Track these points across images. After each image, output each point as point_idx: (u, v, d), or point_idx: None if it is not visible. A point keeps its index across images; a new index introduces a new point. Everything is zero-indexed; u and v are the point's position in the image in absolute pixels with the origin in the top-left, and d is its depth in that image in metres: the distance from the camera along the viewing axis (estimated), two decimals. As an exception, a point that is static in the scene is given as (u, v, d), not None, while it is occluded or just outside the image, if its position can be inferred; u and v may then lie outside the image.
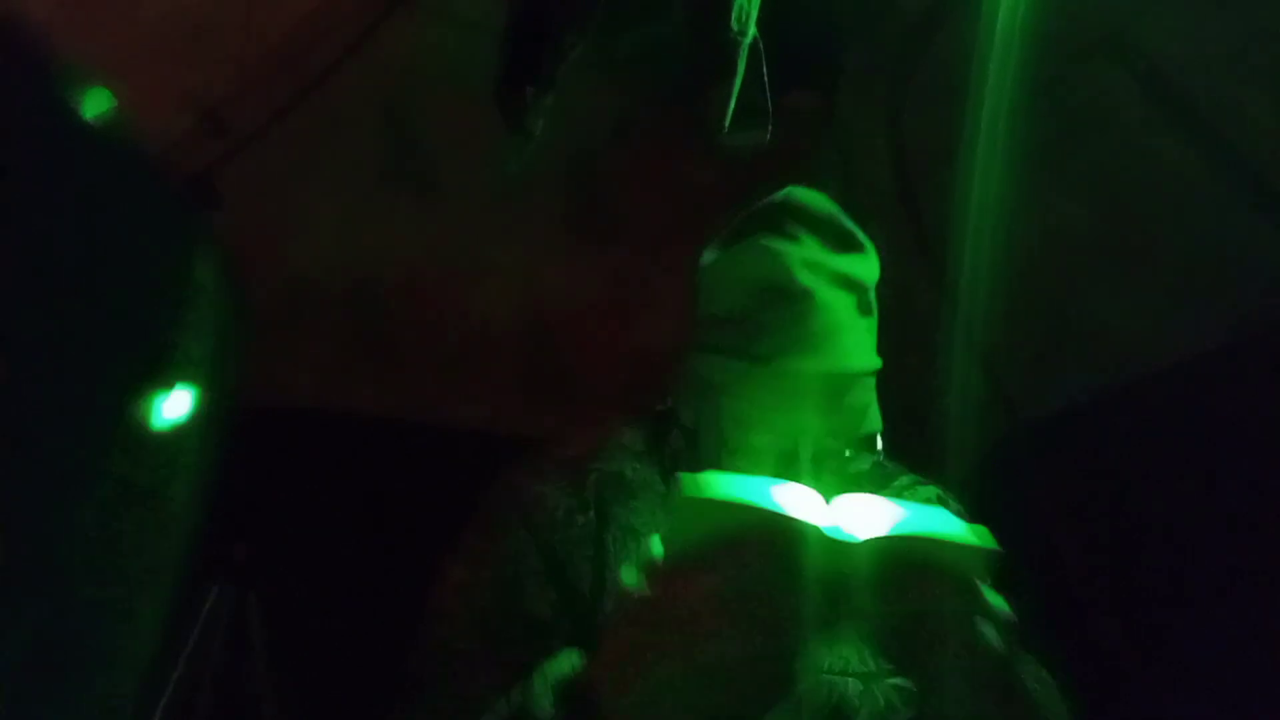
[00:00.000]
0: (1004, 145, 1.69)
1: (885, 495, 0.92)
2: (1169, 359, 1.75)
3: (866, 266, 1.10)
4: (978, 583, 0.86)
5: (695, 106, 1.23)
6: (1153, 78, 1.62)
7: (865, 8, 1.95)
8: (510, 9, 1.19)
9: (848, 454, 1.07)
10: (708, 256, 1.13)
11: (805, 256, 1.05)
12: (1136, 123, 1.66)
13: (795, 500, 0.84)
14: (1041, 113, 1.70)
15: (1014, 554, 0.88)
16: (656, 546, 0.87)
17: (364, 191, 2.05)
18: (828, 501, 0.88)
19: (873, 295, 1.11)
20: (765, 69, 1.20)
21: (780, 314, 1.03)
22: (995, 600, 0.88)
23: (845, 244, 1.10)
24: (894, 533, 0.84)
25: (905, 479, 1.15)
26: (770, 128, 1.22)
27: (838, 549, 0.83)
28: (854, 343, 1.06)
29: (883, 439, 1.12)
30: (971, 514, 0.96)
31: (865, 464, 1.13)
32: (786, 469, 0.99)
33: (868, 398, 1.08)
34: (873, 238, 1.14)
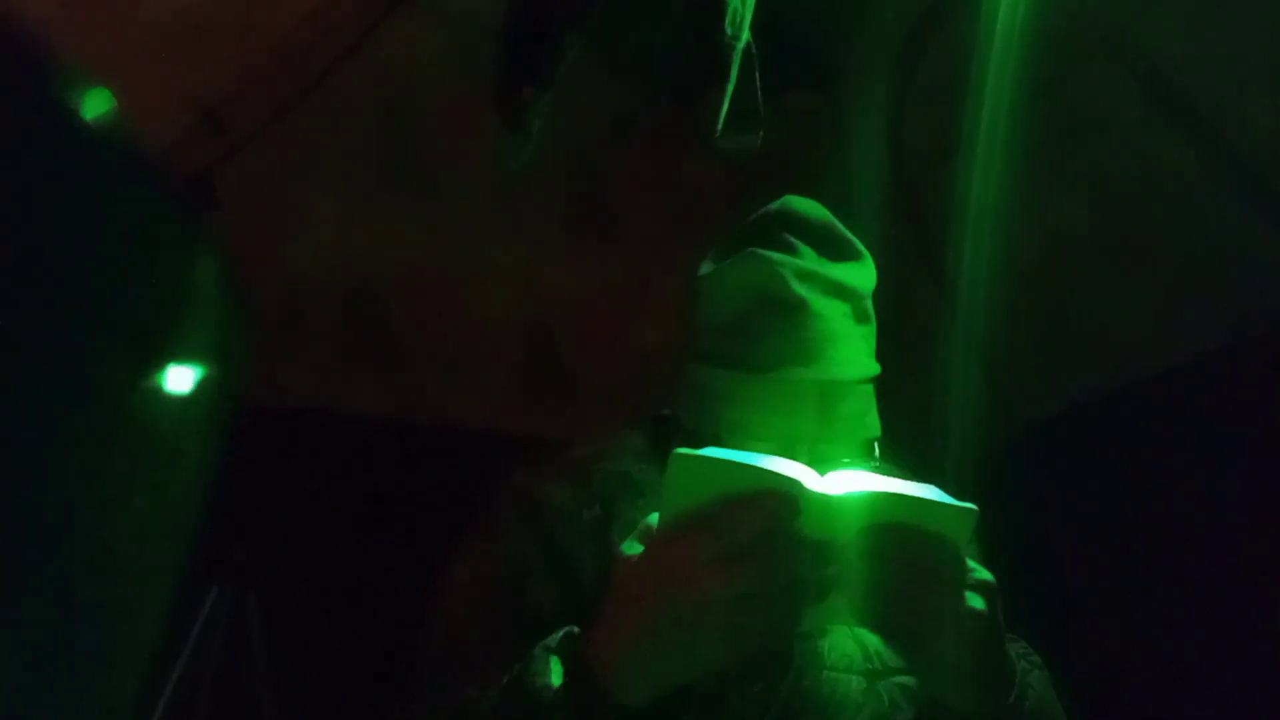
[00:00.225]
0: (1004, 145, 1.69)
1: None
2: (1169, 359, 1.75)
3: (863, 275, 1.11)
4: (961, 548, 0.87)
5: (694, 107, 1.24)
6: (1153, 78, 1.62)
7: (865, 8, 1.95)
8: (510, 9, 1.19)
9: (846, 460, 1.07)
10: (705, 267, 1.15)
11: (800, 266, 1.06)
12: (1136, 123, 1.66)
13: (789, 469, 0.86)
14: (1041, 113, 1.70)
15: (1014, 555, 0.89)
16: (654, 518, 0.88)
17: (364, 191, 2.05)
18: (822, 475, 0.89)
19: (870, 303, 1.12)
20: (758, 73, 1.21)
21: (776, 324, 1.05)
22: (980, 569, 0.89)
23: (841, 253, 1.11)
24: (873, 490, 0.85)
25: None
26: (762, 132, 1.22)
27: (827, 504, 0.84)
28: (850, 350, 1.07)
29: (881, 445, 1.12)
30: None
31: (863, 469, 1.13)
32: None
33: (866, 404, 1.09)
34: (871, 239, 1.15)
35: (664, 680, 0.86)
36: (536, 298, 2.26)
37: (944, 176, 1.80)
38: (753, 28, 1.17)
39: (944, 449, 1.85)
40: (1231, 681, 1.60)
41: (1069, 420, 1.97)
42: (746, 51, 1.18)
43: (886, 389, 1.13)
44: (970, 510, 0.86)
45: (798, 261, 1.07)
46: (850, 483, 0.87)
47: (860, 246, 1.13)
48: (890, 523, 0.85)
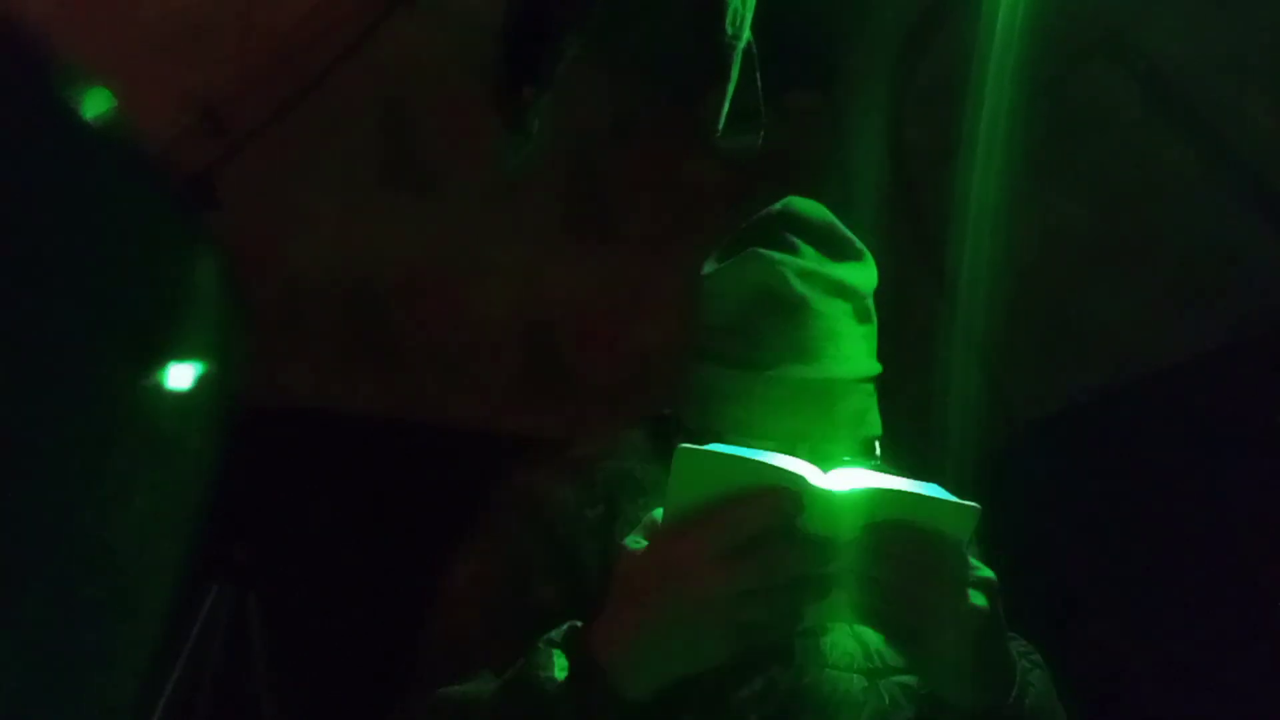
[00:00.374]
0: (1004, 145, 1.69)
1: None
2: (1169, 359, 1.75)
3: (864, 274, 1.11)
4: (963, 546, 0.88)
5: (694, 107, 1.24)
6: (1152, 78, 1.62)
7: (865, 8, 1.95)
8: (510, 9, 1.19)
9: (846, 459, 1.07)
10: (708, 266, 1.15)
11: (802, 266, 1.07)
12: (1136, 123, 1.67)
13: (792, 465, 0.86)
14: (1041, 113, 1.70)
15: (1014, 555, 0.89)
16: (658, 513, 0.89)
17: (364, 191, 2.06)
18: (825, 473, 0.89)
19: (870, 302, 1.12)
20: (759, 73, 1.21)
21: (777, 323, 1.06)
22: (982, 567, 0.89)
23: (842, 253, 1.12)
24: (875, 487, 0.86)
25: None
26: (763, 132, 1.23)
27: (830, 501, 0.84)
28: (851, 349, 1.08)
29: (881, 443, 1.13)
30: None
31: (863, 468, 1.14)
32: None
33: (867, 403, 1.10)
34: (871, 238, 1.15)
35: (666, 674, 0.86)
36: (536, 298, 2.26)
37: (944, 176, 1.80)
38: (753, 27, 1.17)
39: (944, 449, 1.85)
40: (1231, 681, 1.60)
41: (1069, 420, 1.97)
42: (747, 51, 1.18)
43: (886, 389, 1.13)
44: (973, 508, 0.86)
45: (799, 261, 1.07)
46: (853, 480, 0.87)
47: (861, 246, 1.14)
48: (892, 520, 0.85)
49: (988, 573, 0.90)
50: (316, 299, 2.09)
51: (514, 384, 2.30)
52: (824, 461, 0.94)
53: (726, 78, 1.16)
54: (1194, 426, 1.71)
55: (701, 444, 0.88)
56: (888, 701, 1.01)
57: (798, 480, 0.84)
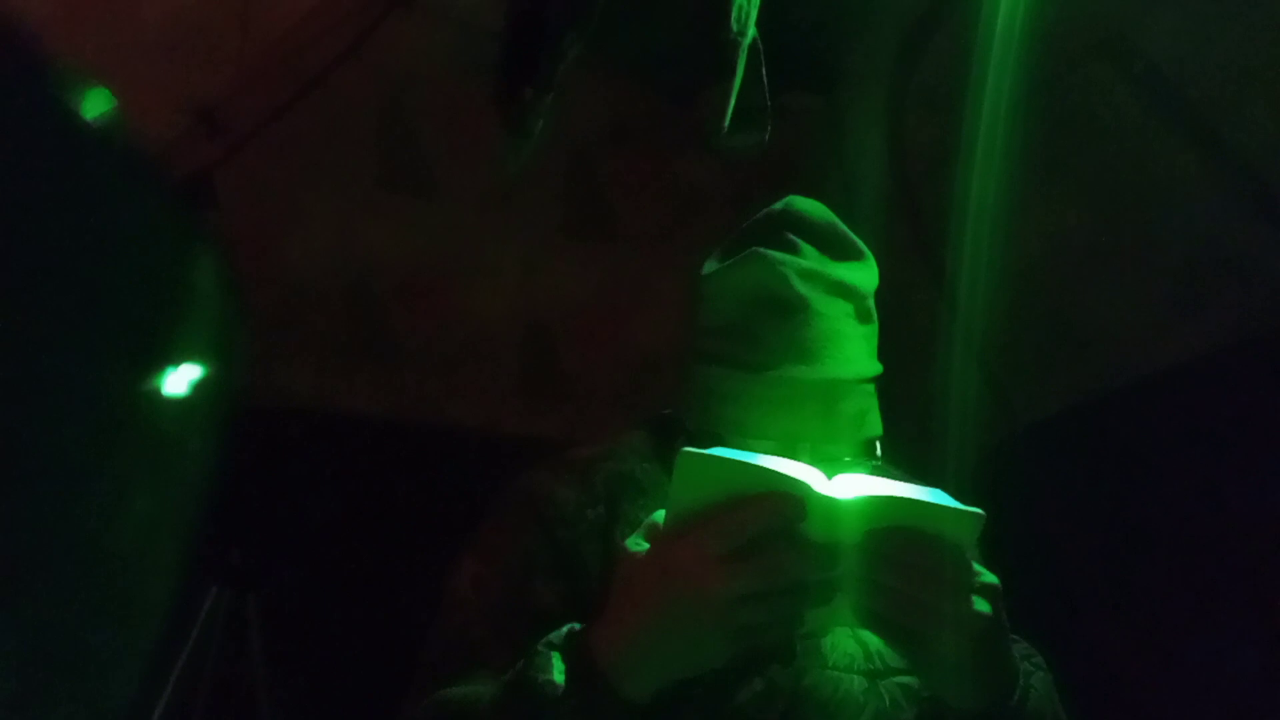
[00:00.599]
0: (1003, 146, 1.69)
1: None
2: (1168, 361, 1.75)
3: (865, 275, 1.11)
4: (966, 551, 0.88)
5: (694, 107, 1.24)
6: (1152, 79, 1.62)
7: (865, 8, 1.95)
8: (510, 9, 1.19)
9: (847, 459, 1.07)
10: (708, 267, 1.15)
11: (802, 266, 1.07)
12: (1136, 124, 1.67)
13: (795, 470, 0.86)
14: (1040, 114, 1.70)
15: (1014, 555, 0.89)
16: (659, 516, 0.89)
17: (362, 192, 2.05)
18: (829, 478, 0.89)
19: (871, 303, 1.12)
20: (764, 70, 1.21)
21: (777, 323, 1.05)
22: (985, 572, 0.89)
23: (843, 252, 1.11)
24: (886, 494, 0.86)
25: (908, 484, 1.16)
26: (769, 129, 1.23)
27: (834, 507, 0.84)
28: (852, 350, 1.07)
29: (882, 444, 1.13)
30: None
31: (864, 469, 1.14)
32: None
33: (867, 403, 1.10)
34: (871, 238, 1.15)
35: (666, 675, 0.86)
36: (536, 298, 2.26)
37: (944, 177, 1.80)
38: (756, 26, 1.17)
39: (944, 449, 1.84)
40: (1231, 681, 1.60)
41: (1069, 420, 1.97)
42: (752, 48, 1.18)
43: (886, 389, 1.13)
44: (977, 515, 0.86)
45: (800, 261, 1.07)
46: (857, 486, 0.87)
47: (862, 246, 1.13)
48: (896, 526, 0.85)
49: (991, 578, 0.90)
50: (316, 299, 2.09)
51: (513, 385, 2.30)
52: (825, 463, 0.94)
53: (731, 75, 1.16)
54: (1194, 427, 1.71)
55: (703, 446, 0.88)
56: (888, 702, 1.01)
57: (801, 487, 0.84)
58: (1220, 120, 1.56)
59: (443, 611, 1.04)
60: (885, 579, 0.85)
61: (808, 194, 1.18)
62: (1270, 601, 1.56)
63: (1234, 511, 1.63)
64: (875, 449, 1.12)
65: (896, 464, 1.18)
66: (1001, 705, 0.92)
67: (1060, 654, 1.10)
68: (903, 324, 1.35)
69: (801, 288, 1.05)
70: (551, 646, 0.89)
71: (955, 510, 0.86)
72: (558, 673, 0.86)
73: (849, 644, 1.03)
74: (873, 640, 1.01)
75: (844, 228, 1.13)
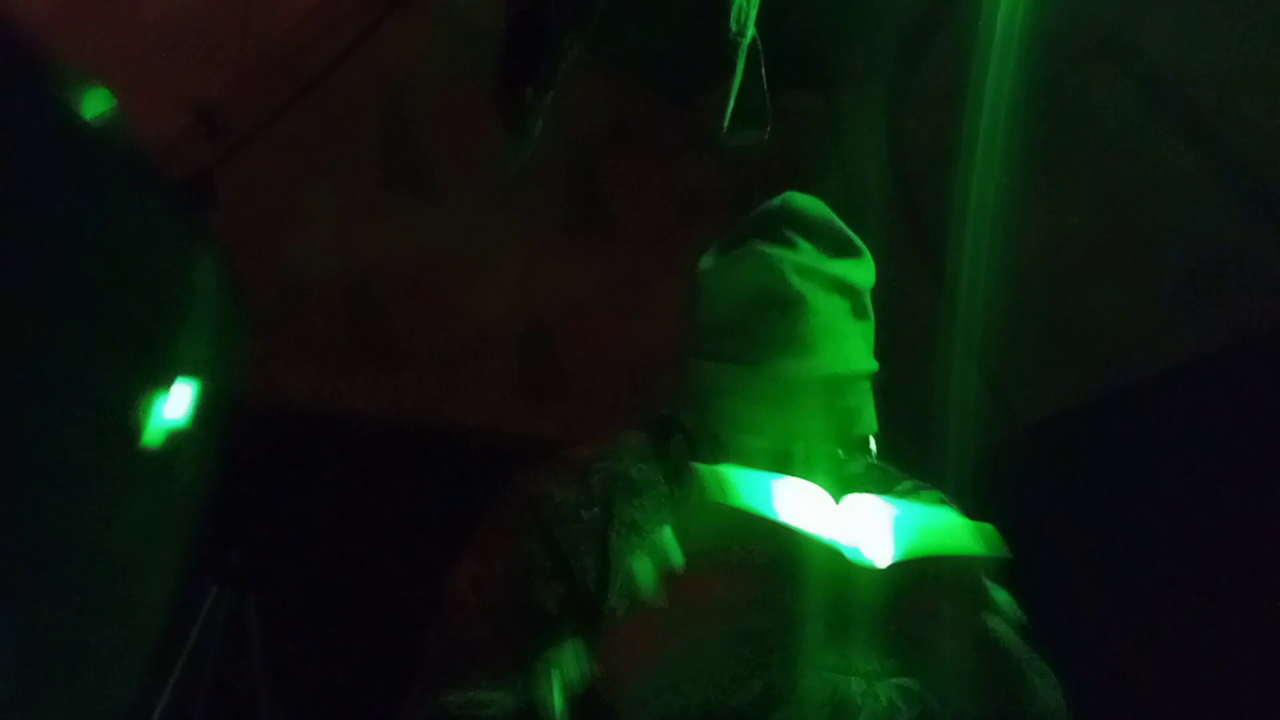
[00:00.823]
0: (1003, 146, 1.69)
1: (890, 499, 0.93)
2: (1168, 361, 1.75)
3: (862, 271, 1.11)
4: (985, 583, 0.87)
5: (694, 107, 1.24)
6: (1152, 79, 1.62)
7: (865, 8, 1.95)
8: (510, 9, 1.19)
9: (842, 455, 1.07)
10: (705, 263, 1.15)
11: (800, 262, 1.07)
12: (1136, 124, 1.66)
13: (808, 502, 0.85)
14: (1040, 114, 1.70)
15: (1014, 555, 0.89)
16: (669, 539, 0.88)
17: (362, 192, 2.05)
18: (836, 500, 0.88)
19: (868, 299, 1.12)
20: (764, 69, 1.21)
21: (774, 319, 1.05)
22: (1003, 598, 0.89)
23: (841, 249, 1.11)
24: (908, 555, 0.85)
25: (908, 484, 1.16)
26: (769, 128, 1.22)
27: (855, 573, 0.84)
28: (848, 346, 1.07)
29: (878, 441, 1.13)
30: (972, 517, 0.97)
31: (859, 466, 1.14)
32: (781, 470, 1.00)
33: (863, 400, 1.09)
34: (871, 239, 1.15)
35: (668, 683, 0.87)
36: (536, 298, 2.26)
37: (944, 177, 1.80)
38: (755, 26, 1.17)
39: (944, 449, 1.84)
40: (1231, 681, 1.60)
41: (1069, 420, 1.97)
42: (752, 48, 1.18)
43: (886, 389, 1.13)
44: (994, 558, 0.86)
45: (797, 257, 1.07)
46: (869, 519, 0.86)
47: (860, 243, 1.13)
48: (914, 585, 0.85)
49: (1011, 603, 0.90)
50: (316, 299, 2.09)
51: (513, 384, 2.30)
52: (819, 459, 0.94)
53: (731, 74, 1.16)
54: (1194, 428, 1.71)
55: (701, 448, 0.88)
56: (886, 704, 1.01)
57: (819, 548, 0.82)
58: (1220, 120, 1.56)
59: (442, 612, 1.04)
60: (903, 628, 0.86)
61: (808, 193, 1.18)
62: (1270, 602, 1.56)
63: (1234, 512, 1.63)
64: (870, 446, 1.12)
65: (896, 463, 1.18)
66: (1002, 709, 0.92)
67: (1060, 654, 1.09)
68: (903, 324, 1.35)
69: (798, 283, 1.05)
70: (556, 679, 0.90)
71: (977, 559, 0.86)
72: (558, 699, 0.87)
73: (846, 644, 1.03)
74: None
75: (841, 224, 1.13)
